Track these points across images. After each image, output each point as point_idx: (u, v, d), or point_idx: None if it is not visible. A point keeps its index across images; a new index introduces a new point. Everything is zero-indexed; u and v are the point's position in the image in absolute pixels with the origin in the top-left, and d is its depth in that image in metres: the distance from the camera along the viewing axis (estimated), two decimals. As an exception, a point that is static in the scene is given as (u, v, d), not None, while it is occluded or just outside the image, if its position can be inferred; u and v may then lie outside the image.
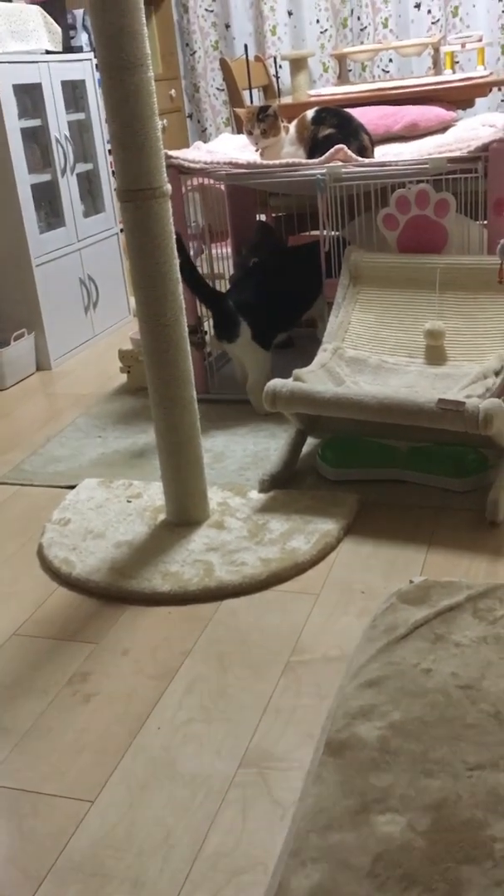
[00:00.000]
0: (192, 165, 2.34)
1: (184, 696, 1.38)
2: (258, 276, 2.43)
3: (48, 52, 3.08)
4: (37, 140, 3.07)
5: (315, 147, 2.36)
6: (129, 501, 1.98)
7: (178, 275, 1.69)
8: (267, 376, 2.27)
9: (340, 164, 2.24)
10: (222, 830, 1.13)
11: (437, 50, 3.22)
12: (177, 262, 1.68)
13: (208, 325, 2.67)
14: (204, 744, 1.28)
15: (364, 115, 2.52)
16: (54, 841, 1.14)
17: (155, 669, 1.45)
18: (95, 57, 1.58)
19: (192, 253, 2.46)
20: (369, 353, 2.12)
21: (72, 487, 2.10)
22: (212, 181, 2.45)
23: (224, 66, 3.29)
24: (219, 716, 1.33)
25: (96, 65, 1.58)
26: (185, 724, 1.33)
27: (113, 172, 1.65)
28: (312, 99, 2.97)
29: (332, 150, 2.26)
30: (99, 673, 1.46)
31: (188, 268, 2.22)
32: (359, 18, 4.14)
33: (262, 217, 3.00)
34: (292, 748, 1.26)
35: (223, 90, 4.35)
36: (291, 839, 1.06)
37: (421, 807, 1.07)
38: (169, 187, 1.65)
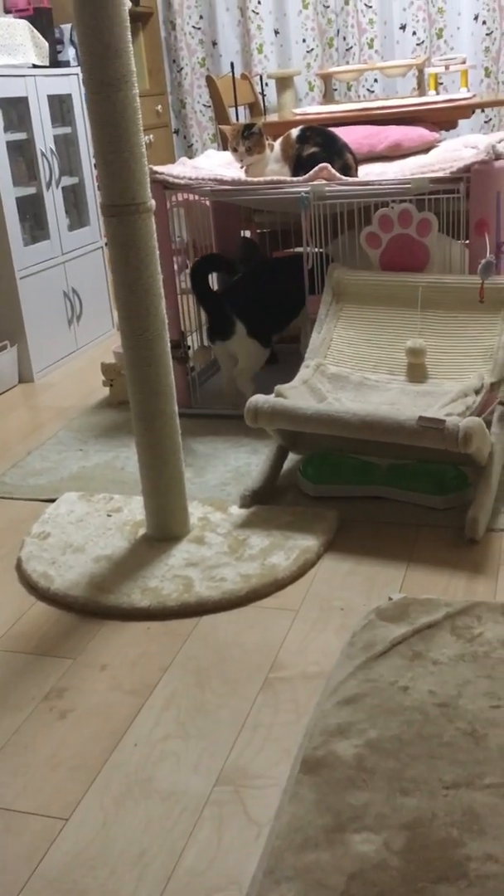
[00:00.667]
0: (177, 181, 2.35)
1: (161, 713, 1.38)
2: (251, 279, 2.50)
3: (35, 66, 3.09)
4: (22, 153, 3.07)
5: (299, 165, 2.38)
6: (109, 515, 1.98)
7: (161, 290, 1.70)
8: (256, 368, 2.40)
9: (324, 182, 2.26)
10: (197, 848, 1.13)
11: (421, 71, 3.26)
12: (160, 276, 1.69)
13: (192, 340, 2.68)
14: (181, 760, 1.28)
15: (348, 135, 2.55)
16: (27, 859, 1.13)
17: (132, 685, 1.45)
18: (82, 72, 1.59)
19: (175, 268, 2.47)
20: (351, 369, 2.14)
21: (52, 501, 2.09)
22: (197, 197, 2.47)
23: (210, 83, 3.31)
24: (196, 732, 1.33)
25: (83, 79, 1.59)
26: (162, 740, 1.32)
27: (98, 186, 1.66)
28: (298, 117, 2.99)
29: (316, 168, 2.28)
30: (76, 689, 1.45)
31: (200, 269, 2.37)
32: (345, 39, 4.19)
33: (247, 233, 3.01)
34: (269, 765, 1.25)
35: (209, 106, 4.38)
36: (266, 858, 1.06)
37: (396, 826, 1.07)
38: (153, 203, 1.65)
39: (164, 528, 1.84)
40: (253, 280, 2.50)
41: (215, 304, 2.41)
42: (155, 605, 1.63)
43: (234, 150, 2.43)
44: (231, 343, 2.41)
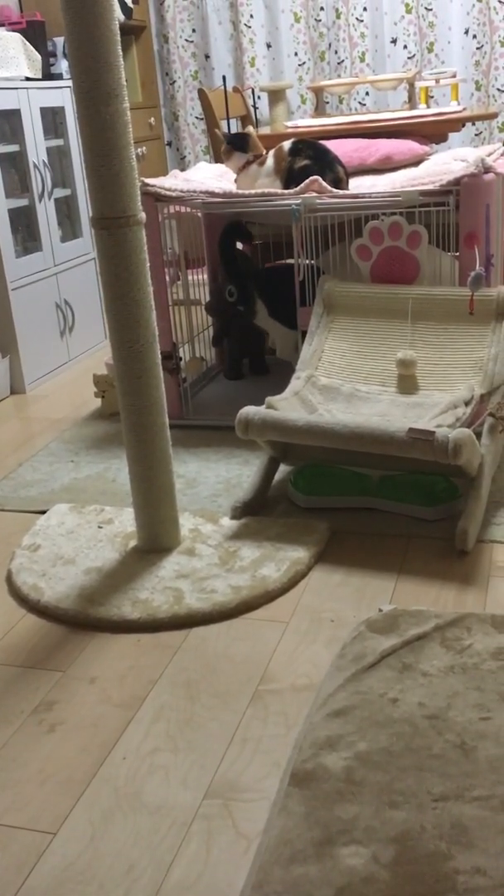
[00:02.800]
0: (168, 193, 2.36)
1: (150, 725, 1.37)
2: (278, 270, 2.59)
3: (28, 79, 3.10)
4: (15, 165, 3.08)
5: (291, 178, 2.39)
6: (100, 527, 1.98)
7: (151, 302, 1.70)
8: (290, 347, 2.49)
9: (315, 195, 2.27)
10: (186, 863, 1.12)
11: (412, 85, 3.28)
12: (150, 289, 1.70)
13: (183, 352, 2.69)
14: (169, 774, 1.27)
15: (340, 148, 2.56)
16: (15, 873, 1.12)
17: (122, 698, 1.44)
18: (73, 86, 1.59)
19: (167, 279, 2.48)
20: (342, 381, 2.14)
21: (43, 512, 2.09)
22: (188, 209, 2.48)
23: (202, 96, 3.33)
24: (185, 745, 1.32)
25: (74, 93, 1.59)
26: (151, 753, 1.31)
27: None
28: (289, 130, 3.01)
29: (307, 181, 2.29)
30: (65, 702, 1.44)
31: (229, 243, 2.57)
32: (336, 52, 4.22)
33: (239, 245, 3.02)
34: (259, 778, 1.25)
35: (202, 119, 4.40)
36: (255, 872, 1.05)
37: (385, 839, 1.06)
38: (143, 216, 1.66)
39: (155, 539, 1.84)
40: (279, 271, 2.55)
41: (238, 275, 2.52)
42: (145, 618, 1.63)
43: (227, 159, 2.45)
44: (259, 322, 2.55)
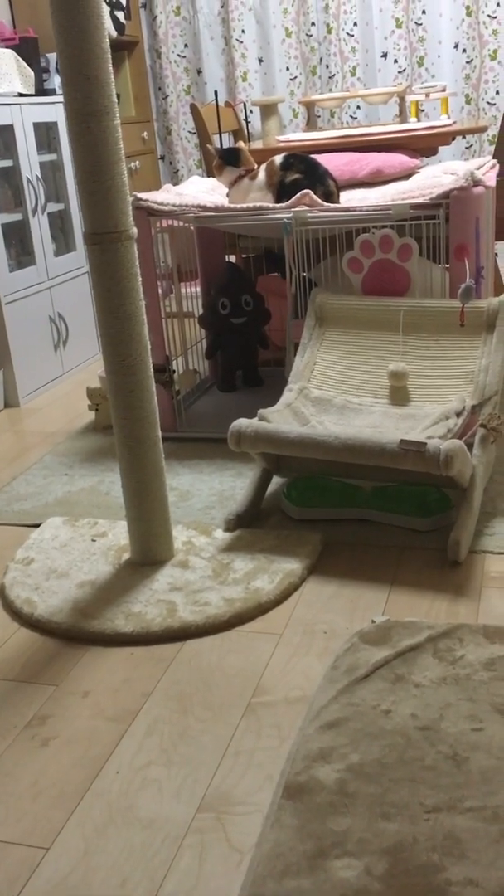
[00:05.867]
0: (160, 208, 2.38)
1: (144, 739, 1.37)
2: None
3: (21, 95, 3.12)
4: (8, 180, 3.10)
5: (283, 191, 2.41)
6: (93, 540, 1.98)
7: (143, 316, 1.71)
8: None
9: (306, 208, 2.29)
10: (179, 877, 1.12)
11: (402, 99, 3.31)
12: (142, 303, 1.71)
13: (176, 365, 2.69)
14: (163, 788, 1.27)
15: (331, 161, 2.58)
16: (7, 889, 1.12)
17: (115, 712, 1.44)
18: (64, 102, 1.61)
19: (160, 292, 2.49)
20: (334, 393, 2.15)
21: (37, 526, 2.09)
22: (181, 222, 2.49)
23: (194, 111, 3.35)
24: (178, 759, 1.32)
25: (65, 110, 1.61)
26: (144, 767, 1.31)
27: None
28: (281, 144, 3.03)
29: (298, 194, 2.31)
30: (58, 716, 1.44)
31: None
32: (327, 67, 4.25)
33: (232, 258, 3.04)
34: (252, 791, 1.25)
35: (195, 133, 4.43)
36: (248, 885, 1.05)
37: (378, 851, 1.06)
38: (135, 231, 1.67)
39: (149, 552, 1.85)
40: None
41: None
42: (138, 631, 1.63)
43: (219, 173, 2.47)
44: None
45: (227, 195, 2.52)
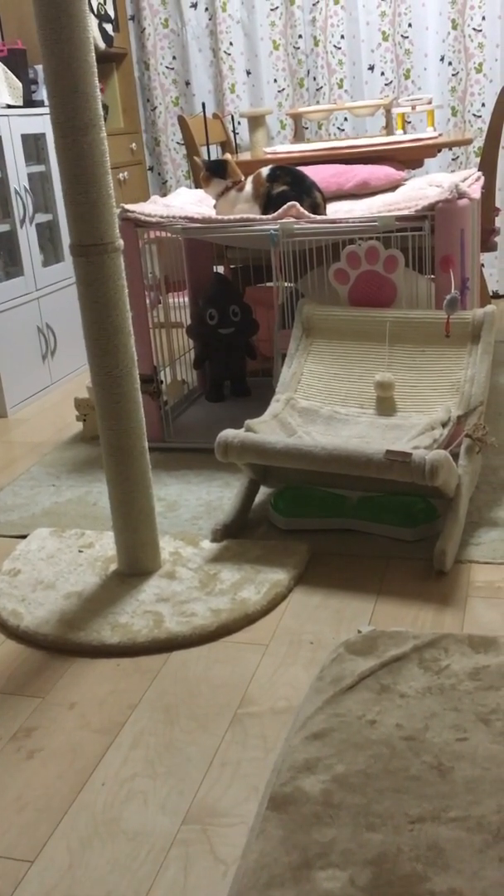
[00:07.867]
0: (148, 219, 2.38)
1: (129, 751, 1.37)
2: None
3: (9, 106, 3.13)
4: (-4, 191, 3.11)
5: (269, 203, 2.42)
6: (80, 551, 1.98)
7: (130, 328, 1.72)
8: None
9: (293, 220, 2.30)
10: (164, 889, 1.12)
11: (388, 111, 3.33)
12: (129, 315, 1.71)
13: (164, 375, 2.70)
14: (148, 800, 1.27)
15: (317, 173, 2.60)
16: (-8, 903, 1.12)
17: (101, 723, 1.44)
18: (50, 115, 1.61)
19: (148, 303, 2.50)
20: (321, 403, 2.16)
21: (24, 537, 2.09)
22: (169, 234, 2.50)
23: (182, 123, 3.37)
24: (164, 771, 1.32)
25: (51, 122, 1.61)
26: (130, 779, 1.31)
27: (69, 225, 1.67)
28: (268, 156, 3.05)
29: (285, 206, 2.32)
30: (44, 728, 1.44)
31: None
32: (315, 79, 4.28)
33: (220, 269, 3.05)
34: (237, 803, 1.25)
35: (183, 144, 4.44)
36: (232, 897, 1.05)
37: (362, 861, 1.07)
38: (121, 242, 1.68)
39: (135, 563, 1.85)
40: None
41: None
42: (125, 642, 1.63)
43: (206, 185, 2.48)
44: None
45: (215, 207, 2.53)
